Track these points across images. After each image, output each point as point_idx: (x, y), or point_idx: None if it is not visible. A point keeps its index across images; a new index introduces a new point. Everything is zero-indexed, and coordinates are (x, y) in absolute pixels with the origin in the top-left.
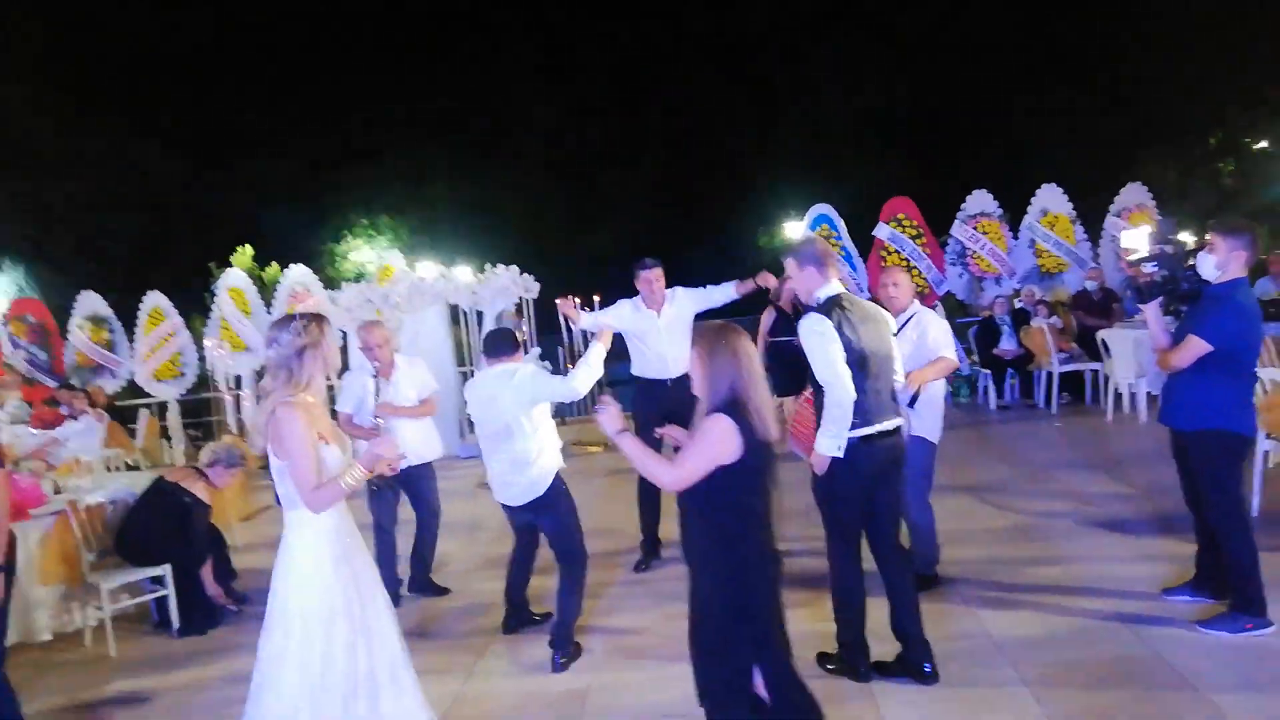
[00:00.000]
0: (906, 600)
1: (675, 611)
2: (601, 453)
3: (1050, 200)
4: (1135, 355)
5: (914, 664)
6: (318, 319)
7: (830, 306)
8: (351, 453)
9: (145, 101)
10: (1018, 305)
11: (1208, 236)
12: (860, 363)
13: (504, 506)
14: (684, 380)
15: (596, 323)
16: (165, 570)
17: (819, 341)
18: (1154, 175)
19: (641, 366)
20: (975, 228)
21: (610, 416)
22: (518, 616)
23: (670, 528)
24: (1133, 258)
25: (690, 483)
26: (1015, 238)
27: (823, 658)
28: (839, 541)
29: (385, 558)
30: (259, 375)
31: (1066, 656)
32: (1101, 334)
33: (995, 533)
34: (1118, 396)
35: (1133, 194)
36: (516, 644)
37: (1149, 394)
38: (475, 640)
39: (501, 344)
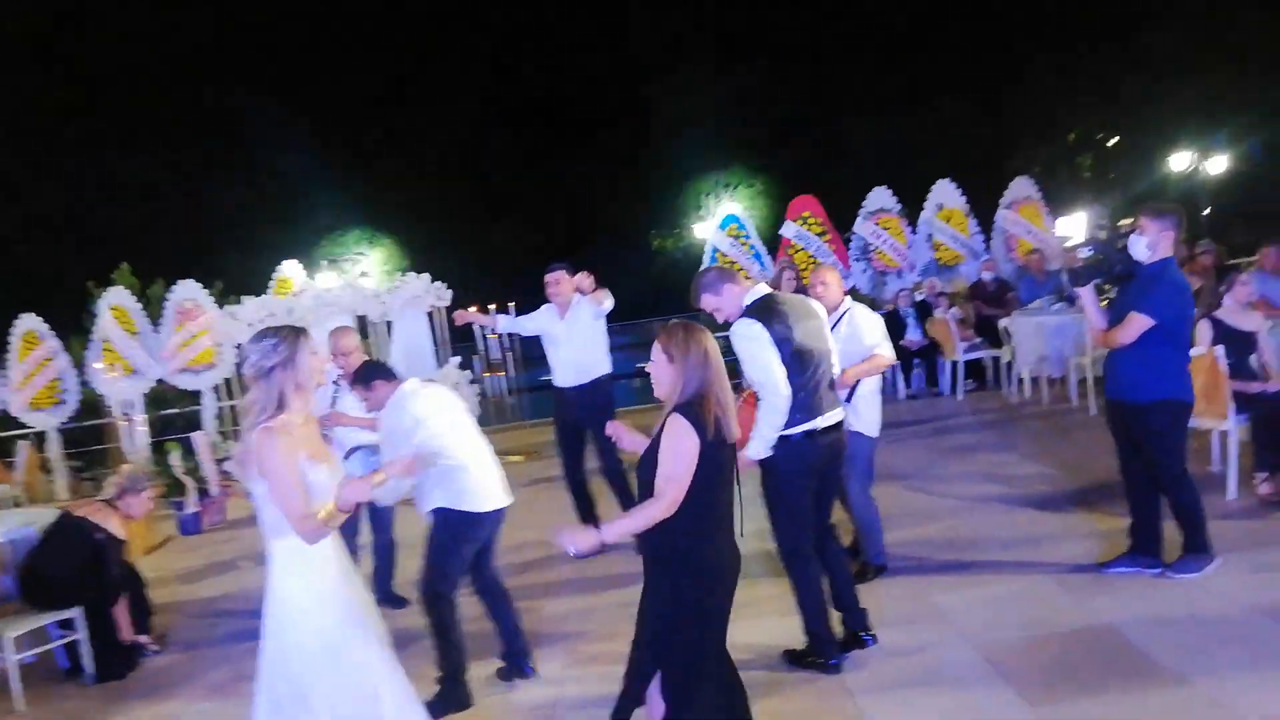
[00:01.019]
0: (842, 572)
1: (619, 603)
2: (523, 462)
3: (945, 195)
4: (1036, 340)
5: (855, 632)
6: (294, 333)
7: (760, 308)
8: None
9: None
10: (919, 298)
11: (1138, 220)
12: (799, 359)
13: (491, 518)
14: (584, 389)
15: (515, 325)
16: (76, 613)
17: (750, 346)
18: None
19: (553, 374)
20: (877, 224)
21: (579, 539)
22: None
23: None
24: (1069, 244)
25: (682, 495)
26: (914, 232)
27: (790, 655)
28: (791, 534)
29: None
30: (149, 399)
31: (1025, 635)
32: (1003, 322)
33: (928, 517)
34: (1020, 381)
35: (1021, 187)
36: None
37: (1049, 377)
38: (422, 662)
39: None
